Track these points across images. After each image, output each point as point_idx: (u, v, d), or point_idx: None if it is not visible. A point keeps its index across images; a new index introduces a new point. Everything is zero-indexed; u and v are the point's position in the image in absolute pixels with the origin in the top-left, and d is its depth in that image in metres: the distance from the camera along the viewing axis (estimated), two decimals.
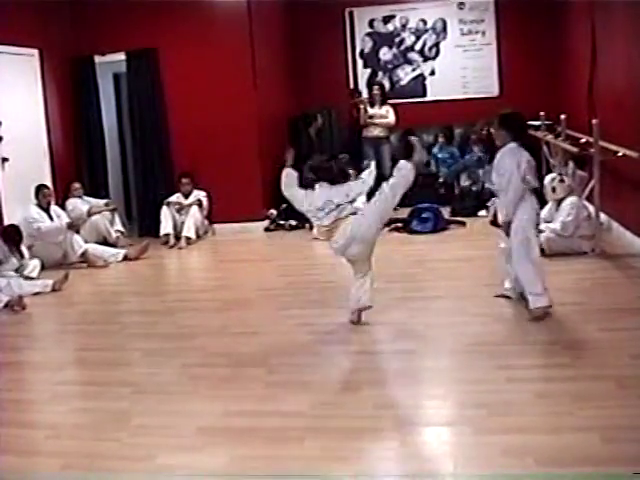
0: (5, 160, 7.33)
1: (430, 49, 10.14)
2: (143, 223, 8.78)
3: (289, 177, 4.89)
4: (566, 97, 8.96)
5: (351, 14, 10.19)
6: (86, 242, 7.49)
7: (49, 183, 7.86)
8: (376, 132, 9.26)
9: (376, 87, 9.45)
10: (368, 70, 10.29)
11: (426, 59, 10.17)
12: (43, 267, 6.93)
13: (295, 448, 3.21)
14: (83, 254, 7.28)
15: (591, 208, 6.39)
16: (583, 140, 6.94)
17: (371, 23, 10.20)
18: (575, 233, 6.18)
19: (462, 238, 7.53)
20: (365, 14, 10.19)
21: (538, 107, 8.30)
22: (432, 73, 10.17)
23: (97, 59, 8.63)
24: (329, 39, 10.20)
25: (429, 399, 3.75)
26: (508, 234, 4.78)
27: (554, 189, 6.33)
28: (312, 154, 8.63)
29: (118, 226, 8.19)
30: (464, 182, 8.93)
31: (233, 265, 7.28)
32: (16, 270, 6.55)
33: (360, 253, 4.68)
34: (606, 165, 6.36)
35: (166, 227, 8.22)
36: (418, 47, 10.16)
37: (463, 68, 10.05)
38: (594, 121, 6.31)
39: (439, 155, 9.52)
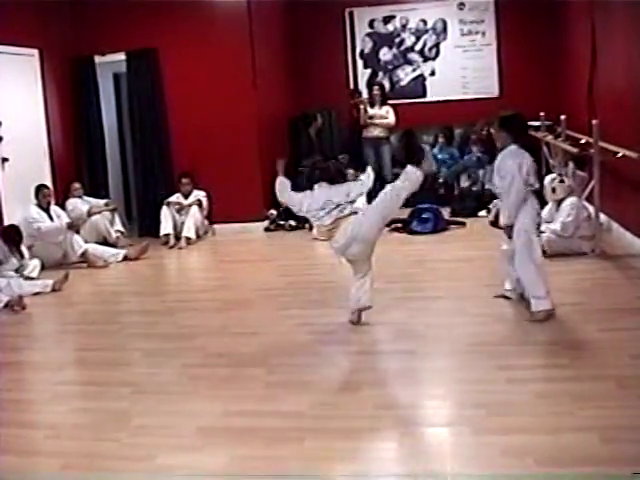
0: (5, 160, 7.34)
1: (430, 49, 10.14)
2: (143, 223, 8.78)
3: (282, 184, 4.92)
4: (566, 97, 8.97)
5: (351, 14, 10.20)
6: (86, 242, 7.49)
7: (49, 183, 7.86)
8: (376, 132, 9.26)
9: (376, 87, 9.44)
10: (368, 70, 10.29)
11: (426, 59, 10.17)
12: (43, 267, 6.94)
13: (295, 448, 3.21)
14: (83, 254, 7.28)
15: (591, 209, 6.39)
16: (583, 141, 6.95)
17: (371, 23, 10.20)
18: (575, 234, 6.18)
19: (462, 238, 7.53)
20: (365, 14, 10.19)
21: (538, 107, 8.30)
22: (432, 73, 10.17)
23: (97, 59, 8.63)
24: (329, 39, 10.20)
25: (429, 399, 3.75)
26: (510, 237, 4.75)
27: (554, 190, 6.33)
28: (312, 154, 8.66)
29: (118, 226, 8.19)
30: (464, 183, 8.93)
31: (233, 265, 7.28)
32: (16, 270, 6.55)
33: (360, 253, 4.68)
34: (606, 165, 6.36)
35: (166, 227, 8.22)
36: (418, 47, 10.16)
37: (463, 68, 10.05)
38: (594, 121, 6.31)
39: (439, 156, 9.52)
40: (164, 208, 8.29)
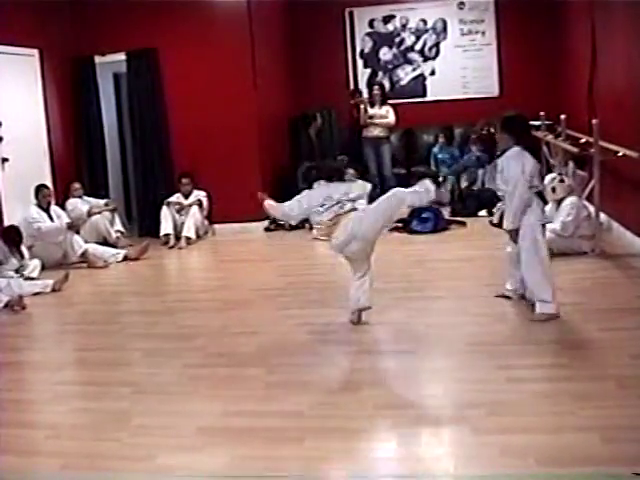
0: (5, 160, 7.33)
1: (430, 49, 10.14)
2: (143, 223, 8.77)
3: (273, 208, 4.94)
4: (566, 97, 8.97)
5: (351, 14, 10.20)
6: (86, 242, 7.49)
7: (49, 183, 7.86)
8: (376, 132, 9.25)
9: (376, 87, 9.45)
10: (368, 70, 10.29)
11: (426, 59, 10.17)
12: (43, 267, 6.93)
13: (295, 448, 3.21)
14: (83, 254, 7.28)
15: (591, 208, 6.39)
16: (583, 140, 6.95)
17: (371, 23, 10.20)
18: (575, 233, 6.18)
19: (462, 238, 7.53)
20: (365, 14, 10.19)
21: (538, 107, 8.30)
22: (432, 73, 10.17)
23: (97, 59, 8.63)
24: (329, 39, 10.20)
25: (429, 399, 3.74)
26: (516, 241, 4.70)
27: (554, 189, 6.32)
28: (312, 154, 8.67)
29: (118, 226, 8.19)
30: (464, 182, 8.93)
31: (233, 265, 7.28)
32: (16, 270, 6.55)
33: (359, 251, 4.66)
34: (606, 165, 6.36)
35: (166, 227, 8.22)
36: (418, 47, 10.16)
37: (463, 68, 10.05)
38: (594, 121, 6.31)
39: (439, 156, 9.53)
40: (164, 208, 8.28)
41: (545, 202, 4.97)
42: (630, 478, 2.75)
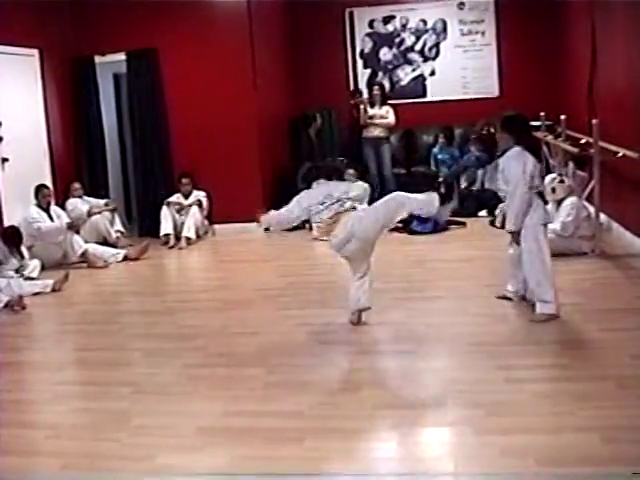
0: (5, 160, 7.33)
1: (430, 49, 10.14)
2: (143, 223, 8.78)
3: (271, 217, 4.92)
4: (566, 97, 8.97)
5: (351, 14, 10.19)
6: (86, 242, 7.49)
7: (49, 183, 7.86)
8: (376, 132, 9.25)
9: (376, 87, 9.44)
10: (368, 70, 10.29)
11: (426, 59, 10.17)
12: (43, 267, 6.93)
13: (295, 448, 3.21)
14: (83, 254, 7.28)
15: (591, 208, 6.39)
16: (583, 140, 6.95)
17: (371, 23, 10.20)
18: (575, 233, 6.17)
19: (462, 238, 7.54)
20: (365, 14, 10.19)
21: (538, 107, 8.30)
22: (432, 73, 10.17)
23: (97, 59, 8.63)
24: (329, 39, 10.20)
25: (429, 399, 3.74)
26: (518, 243, 4.68)
27: (554, 189, 6.32)
28: (312, 154, 8.66)
29: (118, 226, 8.19)
30: (464, 183, 8.92)
31: (233, 265, 7.28)
32: (16, 270, 6.55)
33: (358, 251, 4.65)
34: (606, 165, 6.36)
35: (166, 227, 8.22)
36: (418, 47, 10.16)
37: (463, 68, 10.05)
38: (594, 121, 6.31)
39: (439, 156, 9.52)
40: (164, 208, 8.28)
41: (545, 202, 4.95)
42: (630, 478, 2.75)
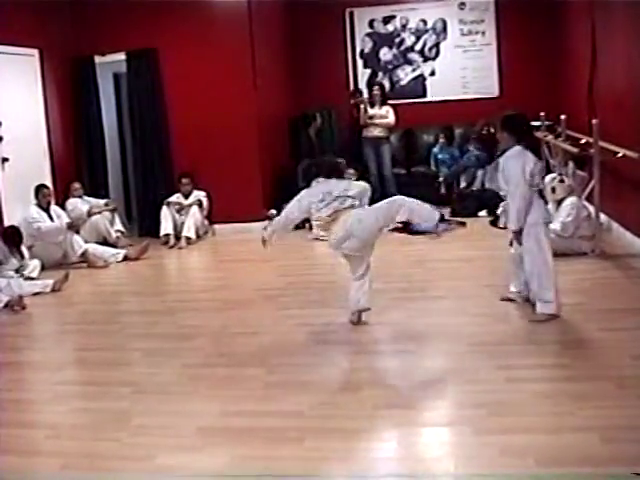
0: (5, 160, 7.33)
1: (430, 49, 10.14)
2: (143, 223, 8.77)
3: (271, 226, 4.89)
4: (566, 97, 8.96)
5: (351, 14, 10.19)
6: (86, 242, 7.49)
7: (49, 183, 7.86)
8: (376, 132, 9.25)
9: (376, 87, 9.44)
10: (368, 70, 10.28)
11: (426, 59, 10.16)
12: (43, 267, 6.93)
13: (295, 448, 3.21)
14: (83, 254, 7.28)
15: (591, 208, 6.39)
16: (583, 140, 6.95)
17: (371, 23, 10.20)
18: (575, 233, 6.17)
19: (462, 238, 7.51)
20: (365, 14, 10.19)
21: (538, 107, 8.29)
22: (432, 73, 10.16)
23: (97, 59, 8.62)
24: (329, 39, 10.19)
25: (429, 399, 3.75)
26: (520, 243, 4.68)
27: (554, 189, 6.32)
28: (312, 154, 8.66)
29: (118, 226, 8.19)
30: (463, 183, 8.92)
31: (233, 265, 7.28)
32: (16, 270, 6.55)
33: (356, 249, 4.65)
34: (606, 165, 6.36)
35: (166, 227, 8.22)
36: (418, 47, 10.15)
37: (463, 68, 10.05)
38: (594, 121, 6.31)
39: (439, 156, 9.52)
40: (164, 208, 8.29)
41: (545, 202, 4.95)
42: (630, 478, 2.75)
